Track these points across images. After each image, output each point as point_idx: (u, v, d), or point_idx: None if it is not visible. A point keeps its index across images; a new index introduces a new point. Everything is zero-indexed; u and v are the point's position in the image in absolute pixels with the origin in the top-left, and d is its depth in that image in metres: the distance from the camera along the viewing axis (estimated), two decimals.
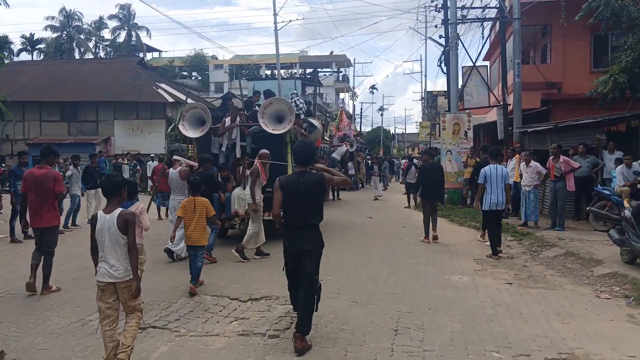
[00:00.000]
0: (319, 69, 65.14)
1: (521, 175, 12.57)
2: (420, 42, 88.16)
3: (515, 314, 5.97)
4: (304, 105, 13.83)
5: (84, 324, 5.62)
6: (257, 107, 11.05)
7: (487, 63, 22.53)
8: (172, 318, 5.82)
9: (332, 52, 66.95)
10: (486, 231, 10.09)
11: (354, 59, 77.67)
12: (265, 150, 9.14)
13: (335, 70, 64.02)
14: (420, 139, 44.82)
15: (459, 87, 17.47)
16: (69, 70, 31.51)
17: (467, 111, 17.16)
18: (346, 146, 23.01)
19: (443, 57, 17.78)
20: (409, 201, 18.03)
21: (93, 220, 4.32)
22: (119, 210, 4.27)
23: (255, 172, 8.69)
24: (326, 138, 23.18)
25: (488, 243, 9.67)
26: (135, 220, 4.37)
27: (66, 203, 12.55)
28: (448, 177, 16.69)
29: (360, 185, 27.59)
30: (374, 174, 22.39)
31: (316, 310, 5.02)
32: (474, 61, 17.79)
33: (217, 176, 9.27)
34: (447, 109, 18.24)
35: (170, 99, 27.78)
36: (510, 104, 16.98)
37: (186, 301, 6.46)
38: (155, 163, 24.70)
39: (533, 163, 12.09)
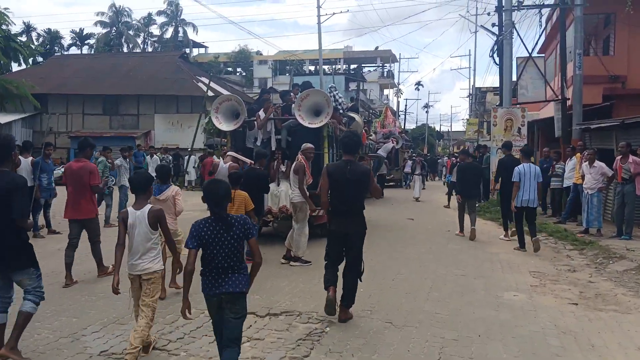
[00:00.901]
0: (363, 65, 64.28)
1: (583, 177, 11.28)
2: (469, 36, 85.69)
3: (585, 346, 4.89)
4: (343, 99, 13.25)
5: (74, 340, 4.87)
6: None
7: (543, 56, 20.94)
8: (175, 336, 5.01)
9: (377, 47, 65.66)
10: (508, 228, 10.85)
11: (400, 54, 76.04)
12: (309, 145, 8.40)
13: (380, 65, 62.71)
14: (467, 137, 43.08)
15: (513, 79, 16.12)
16: (112, 63, 31.59)
17: (521, 106, 15.81)
18: (392, 143, 22.18)
19: (496, 48, 16.49)
20: (448, 200, 17.03)
21: (124, 216, 4.39)
22: (148, 206, 4.35)
23: (302, 169, 7.96)
24: (371, 135, 22.30)
25: (505, 238, 10.68)
26: (164, 215, 4.46)
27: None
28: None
29: (404, 183, 26.49)
30: (415, 173, 20.93)
31: (360, 281, 5.53)
32: (529, 51, 16.43)
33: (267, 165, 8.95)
34: (498, 104, 16.92)
35: (211, 93, 27.31)
36: (569, 99, 15.55)
37: (196, 314, 5.64)
38: (193, 158, 24.55)
39: (597, 163, 10.80)
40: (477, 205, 12.03)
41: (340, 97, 12.80)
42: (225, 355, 3.64)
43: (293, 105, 9.84)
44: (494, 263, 8.48)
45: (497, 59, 16.59)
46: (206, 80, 30.02)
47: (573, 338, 5.09)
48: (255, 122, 9.96)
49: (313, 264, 8.06)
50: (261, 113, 9.94)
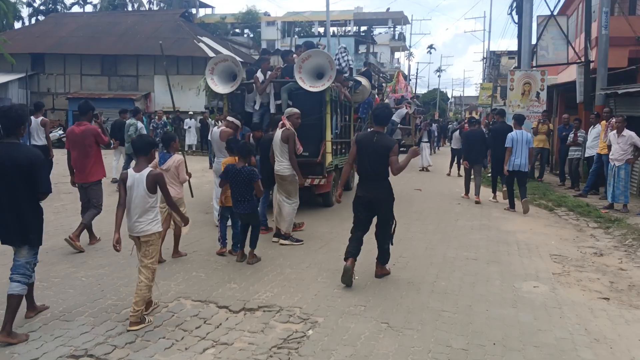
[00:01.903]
0: (374, 27, 62.24)
1: (609, 147, 10.21)
2: None
3: None
4: (350, 62, 12.39)
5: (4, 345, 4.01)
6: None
7: (566, 16, 19.42)
8: (125, 339, 4.12)
9: (388, 8, 63.44)
10: (496, 191, 11.62)
11: (412, 15, 73.48)
12: (295, 109, 7.61)
13: (392, 26, 60.73)
14: (479, 102, 41.52)
15: (533, 40, 14.83)
16: (110, 22, 30.28)
17: (540, 68, 14.57)
18: (406, 108, 21.18)
19: (515, 5, 15.15)
20: (450, 167, 16.92)
21: (123, 178, 4.46)
22: (148, 169, 4.42)
23: (292, 137, 7.14)
24: (385, 100, 21.32)
25: (494, 200, 11.42)
26: (163, 179, 4.51)
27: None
28: None
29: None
30: (422, 140, 18.93)
31: (392, 244, 5.78)
32: (551, 10, 15.05)
33: (249, 137, 8.30)
34: (515, 67, 15.69)
35: (212, 54, 26.10)
36: (592, 61, 14.30)
37: (159, 308, 4.77)
38: (193, 122, 23.55)
39: (627, 132, 9.75)
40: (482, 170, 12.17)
41: (348, 60, 12.07)
42: (253, 233, 6.18)
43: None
44: (510, 245, 7.52)
45: (515, 17, 15.27)
46: (207, 40, 28.82)
47: (609, 348, 4.17)
48: (254, 85, 9.32)
49: (305, 245, 7.18)
50: (259, 75, 9.30)
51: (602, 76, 13.50)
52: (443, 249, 7.17)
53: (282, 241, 7.21)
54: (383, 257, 5.76)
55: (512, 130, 10.65)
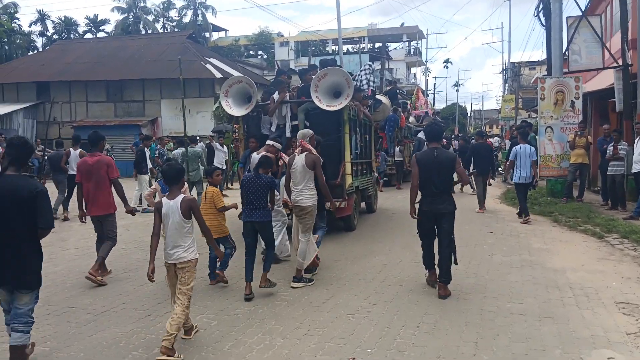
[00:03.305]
0: (388, 43, 61.10)
1: None
2: (501, 2, 79.24)
3: None
4: (372, 81, 12.57)
5: None
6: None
7: (599, 16, 17.91)
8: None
9: (402, 23, 62.40)
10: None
11: (427, 29, 71.89)
12: (310, 131, 7.02)
13: (406, 40, 59.60)
14: (502, 115, 39.74)
15: (563, 44, 13.40)
16: (116, 47, 29.56)
17: (575, 75, 13.09)
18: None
19: (541, 6, 13.77)
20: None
21: (158, 207, 4.50)
22: (181, 196, 4.47)
23: (319, 162, 6.51)
24: (409, 119, 20.63)
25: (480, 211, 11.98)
26: (197, 205, 4.58)
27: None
28: (547, 162, 12.89)
29: None
30: None
31: (455, 264, 5.91)
32: (582, 9, 13.61)
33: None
34: (544, 74, 14.24)
35: (218, 75, 25.13)
36: (631, 65, 12.82)
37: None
38: (200, 146, 22.40)
39: None
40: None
41: (369, 78, 12.20)
42: (268, 252, 6.00)
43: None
44: (562, 290, 6.03)
45: (543, 20, 13.89)
46: (215, 62, 27.89)
47: None
48: (269, 106, 9.15)
49: (306, 298, 5.80)
50: (276, 96, 9.08)
51: None
52: (479, 299, 5.72)
53: (293, 284, 6.24)
54: (446, 275, 5.84)
55: (490, 149, 12.81)
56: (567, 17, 13.51)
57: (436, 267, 6.07)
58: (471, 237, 9.04)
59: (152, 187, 6.26)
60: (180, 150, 12.87)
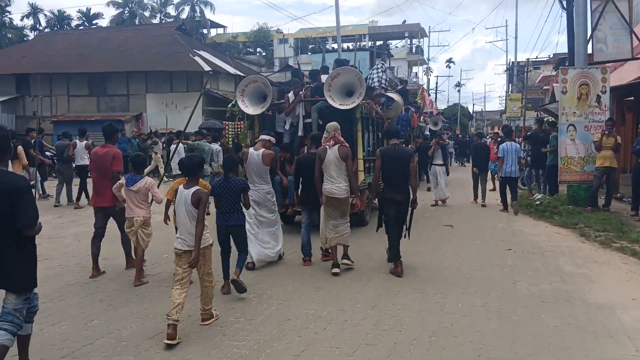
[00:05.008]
0: (390, 41, 59.44)
1: None
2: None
3: None
4: (384, 80, 12.77)
5: None
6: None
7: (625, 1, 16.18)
8: None
9: (404, 21, 60.80)
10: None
11: (429, 26, 70.23)
12: (335, 123, 7.13)
13: (407, 36, 58.12)
14: (508, 116, 38.04)
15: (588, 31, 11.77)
16: (101, 39, 27.94)
17: (600, 65, 11.45)
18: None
19: None
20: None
21: (178, 190, 4.84)
22: (195, 188, 4.71)
23: (350, 154, 6.84)
24: (420, 120, 20.34)
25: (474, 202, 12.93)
26: (206, 199, 4.71)
27: None
28: (569, 165, 11.26)
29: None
30: (435, 162, 13.39)
31: (409, 238, 6.71)
32: None
33: (280, 157, 8.58)
34: (566, 65, 12.62)
35: (207, 68, 23.53)
36: None
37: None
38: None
39: None
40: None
41: (381, 77, 12.41)
42: (240, 257, 5.76)
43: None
44: (617, 338, 4.41)
45: (564, 3, 12.26)
46: (205, 54, 26.29)
47: None
48: (284, 105, 9.37)
49: (279, 333, 4.23)
50: (290, 95, 9.32)
51: None
52: (508, 354, 4.10)
53: (344, 261, 6.74)
54: (396, 253, 6.50)
55: (487, 148, 13.49)
56: (592, 0, 11.86)
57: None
58: (487, 257, 7.41)
59: (119, 181, 6.27)
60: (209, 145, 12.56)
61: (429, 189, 14.15)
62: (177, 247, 4.68)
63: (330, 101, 8.71)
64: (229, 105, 10.00)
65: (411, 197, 6.57)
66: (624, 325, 4.75)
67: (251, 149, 7.17)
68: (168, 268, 6.61)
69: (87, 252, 7.74)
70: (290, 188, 8.63)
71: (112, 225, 6.78)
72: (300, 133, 9.25)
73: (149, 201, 6.26)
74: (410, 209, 6.65)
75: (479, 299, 5.49)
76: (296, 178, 7.49)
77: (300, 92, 9.26)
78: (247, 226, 6.31)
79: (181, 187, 4.77)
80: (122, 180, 6.32)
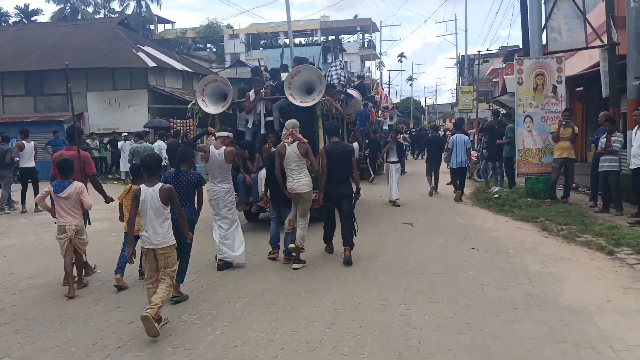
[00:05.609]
0: (342, 35, 59.12)
1: None
2: None
3: None
4: (343, 76, 12.78)
5: None
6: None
7: None
8: None
9: (356, 15, 60.66)
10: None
11: (381, 21, 70.36)
12: (296, 121, 7.25)
13: (359, 30, 58.08)
14: (460, 108, 38.30)
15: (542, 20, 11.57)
16: (38, 35, 26.27)
17: (556, 55, 11.27)
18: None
19: None
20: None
21: (137, 194, 4.66)
22: (159, 184, 4.69)
23: (310, 150, 6.95)
24: (379, 115, 20.11)
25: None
26: (175, 193, 4.78)
27: None
28: (526, 157, 11.06)
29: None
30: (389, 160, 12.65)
31: (355, 235, 6.95)
32: None
33: (240, 154, 8.50)
34: (521, 56, 12.40)
35: (152, 63, 22.47)
36: (619, 44, 11.13)
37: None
38: (129, 144, 19.75)
39: None
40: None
41: (340, 74, 12.51)
42: (182, 263, 5.34)
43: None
44: (600, 351, 4.01)
45: None
46: (150, 50, 25.16)
47: None
48: (245, 104, 9.54)
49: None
50: (251, 94, 9.46)
51: (634, 62, 10.29)
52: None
53: (295, 265, 6.72)
54: (348, 241, 6.84)
55: (442, 142, 14.78)
56: None
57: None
58: (450, 257, 6.99)
59: (44, 189, 5.98)
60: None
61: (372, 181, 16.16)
62: (143, 246, 4.68)
63: (290, 99, 8.87)
64: (190, 105, 9.97)
65: (354, 189, 7.04)
66: (603, 333, 4.36)
67: (211, 147, 6.92)
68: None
69: (10, 270, 7.03)
70: (254, 186, 8.94)
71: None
72: (262, 131, 9.42)
73: (85, 206, 5.98)
74: (353, 199, 7.07)
75: (446, 308, 5.02)
76: (268, 172, 7.44)
77: (261, 91, 9.38)
78: (214, 225, 6.69)
79: (142, 186, 4.66)
80: (48, 188, 5.95)
